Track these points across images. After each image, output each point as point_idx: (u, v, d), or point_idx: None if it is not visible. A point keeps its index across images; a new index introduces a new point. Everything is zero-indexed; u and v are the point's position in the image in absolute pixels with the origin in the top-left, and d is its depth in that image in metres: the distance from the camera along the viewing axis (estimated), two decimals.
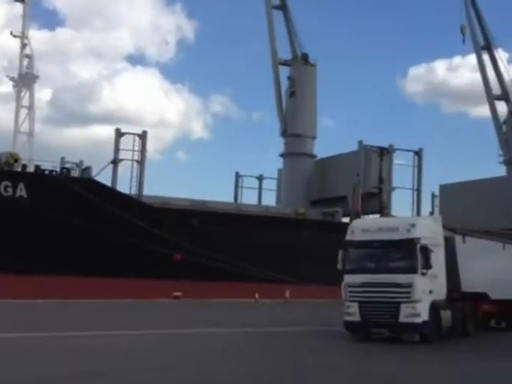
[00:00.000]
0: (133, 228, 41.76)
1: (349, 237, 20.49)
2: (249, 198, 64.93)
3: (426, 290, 19.27)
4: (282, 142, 60.20)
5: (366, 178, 51.38)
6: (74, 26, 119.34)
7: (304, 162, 58.26)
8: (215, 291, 42.00)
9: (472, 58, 70.15)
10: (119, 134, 48.49)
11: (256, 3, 61.57)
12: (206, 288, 41.85)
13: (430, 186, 66.84)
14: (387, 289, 19.16)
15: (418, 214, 52.35)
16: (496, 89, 65.79)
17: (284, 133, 59.36)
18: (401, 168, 53.27)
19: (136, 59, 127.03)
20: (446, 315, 20.09)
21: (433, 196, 66.29)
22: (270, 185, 66.10)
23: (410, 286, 18.88)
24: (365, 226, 20.77)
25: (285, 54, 60.78)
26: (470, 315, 21.86)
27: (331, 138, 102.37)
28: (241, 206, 53.01)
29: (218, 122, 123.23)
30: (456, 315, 20.66)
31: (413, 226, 19.70)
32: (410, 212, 51.92)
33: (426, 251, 19.17)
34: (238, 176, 66.82)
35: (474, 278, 21.29)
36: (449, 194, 64.14)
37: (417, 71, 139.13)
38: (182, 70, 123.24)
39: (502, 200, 57.69)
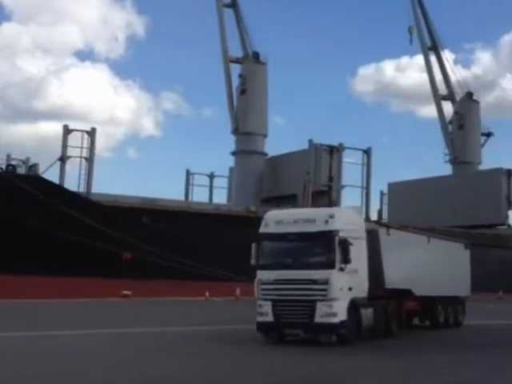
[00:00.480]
0: (81, 226, 41.14)
1: (262, 229, 18.62)
2: (200, 196, 64.88)
3: (345, 286, 17.72)
4: (233, 139, 60.33)
5: (316, 176, 51.85)
6: (20, 20, 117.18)
7: (255, 160, 58.43)
8: (165, 290, 41.73)
9: (419, 59, 71.55)
10: (67, 130, 47.71)
11: (207, 1, 61.48)
12: (156, 286, 41.54)
13: (379, 184, 68.08)
14: (302, 286, 17.66)
15: (367, 211, 53.12)
16: (442, 89, 67.36)
17: (235, 130, 59.41)
18: (350, 166, 54.02)
19: (85, 55, 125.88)
20: (367, 314, 18.63)
21: (381, 194, 67.42)
22: (221, 183, 66.15)
23: (326, 282, 17.34)
24: (279, 218, 18.70)
25: (236, 51, 60.94)
26: (393, 314, 20.39)
27: (282, 137, 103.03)
28: (191, 204, 52.81)
29: (168, 119, 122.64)
30: (378, 314, 19.24)
31: (331, 217, 17.99)
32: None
33: (344, 244, 17.57)
34: (188, 174, 66.59)
35: (398, 273, 19.87)
36: (397, 191, 65.38)
37: (366, 71, 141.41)
38: (132, 66, 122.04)
39: (448, 198, 59.11)
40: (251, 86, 58.56)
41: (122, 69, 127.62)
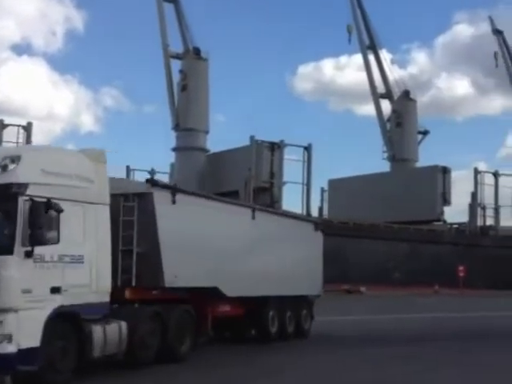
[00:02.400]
0: None
1: None
2: None
3: (39, 286, 10.14)
4: (174, 136, 59.88)
5: (257, 172, 51.96)
6: None
7: (196, 157, 58.16)
8: None
9: (358, 58, 72.66)
10: (2, 125, 46.44)
11: None
12: None
13: (320, 181, 68.91)
14: None
15: (308, 208, 53.57)
16: (381, 88, 68.66)
17: (176, 127, 58.98)
18: (291, 163, 54.34)
19: (22, 49, 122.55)
20: (109, 332, 11.43)
21: (322, 190, 68.23)
22: (162, 179, 65.45)
23: None
24: None
25: (177, 47, 60.48)
26: (180, 327, 13.36)
27: (224, 133, 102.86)
28: None
29: (109, 115, 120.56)
30: (143, 330, 12.37)
31: (14, 161, 10.26)
32: (300, 206, 53.06)
33: (37, 210, 9.98)
34: (128, 170, 65.66)
35: (191, 263, 13.34)
36: (337, 188, 66.27)
37: (305, 69, 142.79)
38: (71, 61, 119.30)
39: (386, 194, 60.27)
40: (192, 81, 58.22)
41: (60, 63, 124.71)
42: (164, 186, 13.58)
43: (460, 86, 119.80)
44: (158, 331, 12.79)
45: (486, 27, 76.90)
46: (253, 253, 15.80)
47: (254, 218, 16.30)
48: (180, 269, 13.01)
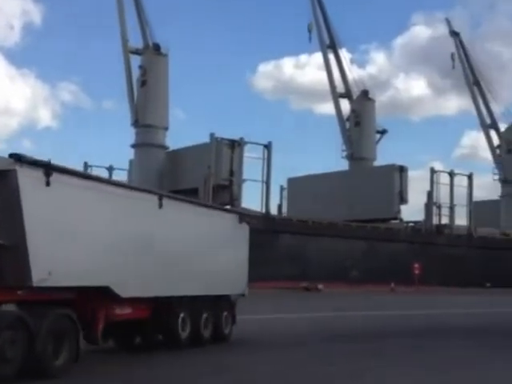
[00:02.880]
0: None
1: None
2: None
3: None
4: (133, 132, 59.35)
5: (217, 170, 51.84)
6: None
7: (156, 154, 57.75)
8: None
9: (318, 57, 73.16)
10: None
11: None
12: None
13: (279, 179, 69.10)
14: None
15: (267, 207, 53.70)
16: (340, 87, 69.23)
17: (135, 123, 58.48)
18: (251, 161, 54.39)
19: None
20: None
21: (281, 188, 68.46)
22: (121, 176, 64.82)
23: None
24: None
25: (136, 42, 59.96)
26: (61, 335, 10.94)
27: (184, 130, 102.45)
28: None
29: (67, 110, 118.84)
30: None
31: None
32: (260, 204, 53.12)
33: None
34: (86, 166, 64.77)
35: (73, 259, 11.18)
36: (296, 186, 66.58)
37: (266, 68, 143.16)
38: (28, 55, 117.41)
39: (344, 193, 60.81)
40: (152, 77, 57.78)
41: (17, 57, 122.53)
42: (33, 163, 10.61)
43: (417, 86, 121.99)
44: (21, 341, 10.24)
45: (443, 29, 78.38)
46: (158, 247, 13.63)
47: (161, 206, 13.97)
48: (55, 265, 10.68)
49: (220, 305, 16.12)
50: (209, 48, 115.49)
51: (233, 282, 16.43)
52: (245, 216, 18.32)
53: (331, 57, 68.86)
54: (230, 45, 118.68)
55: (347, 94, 69.20)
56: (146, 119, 57.47)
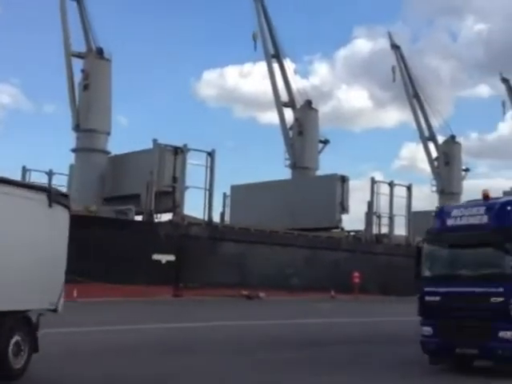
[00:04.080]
0: None
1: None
2: None
3: None
4: (74, 136, 58.36)
5: (159, 176, 51.41)
6: None
7: (97, 158, 56.86)
8: None
9: (262, 66, 73.45)
10: None
11: None
12: None
13: (222, 187, 68.95)
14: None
15: (210, 214, 53.49)
16: (284, 96, 69.76)
17: (77, 127, 57.52)
18: (194, 168, 54.17)
19: None
20: None
21: (224, 196, 68.38)
22: (61, 181, 63.60)
23: None
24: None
25: (79, 46, 59.10)
26: None
27: (126, 136, 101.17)
28: None
29: (5, 113, 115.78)
30: None
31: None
32: (202, 211, 52.89)
33: None
34: (24, 170, 63.32)
35: None
36: (239, 194, 66.64)
37: (210, 75, 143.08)
38: None
39: (287, 201, 61.22)
40: (94, 82, 56.98)
41: None
42: None
43: (359, 98, 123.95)
44: None
45: (384, 42, 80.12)
46: None
47: None
48: None
49: (5, 325, 11.16)
50: (154, 53, 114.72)
51: (31, 291, 11.64)
52: (61, 197, 13.27)
53: (275, 66, 69.39)
54: (174, 51, 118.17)
55: (291, 104, 69.78)
56: (88, 124, 56.59)
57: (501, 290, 13.15)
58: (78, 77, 58.32)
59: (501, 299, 13.12)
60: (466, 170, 78.49)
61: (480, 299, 13.36)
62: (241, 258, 50.82)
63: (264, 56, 69.19)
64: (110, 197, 54.91)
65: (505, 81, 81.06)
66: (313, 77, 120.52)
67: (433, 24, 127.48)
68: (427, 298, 14.35)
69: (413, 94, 75.72)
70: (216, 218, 57.72)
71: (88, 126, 56.57)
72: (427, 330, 14.25)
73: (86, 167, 56.35)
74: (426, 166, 79.63)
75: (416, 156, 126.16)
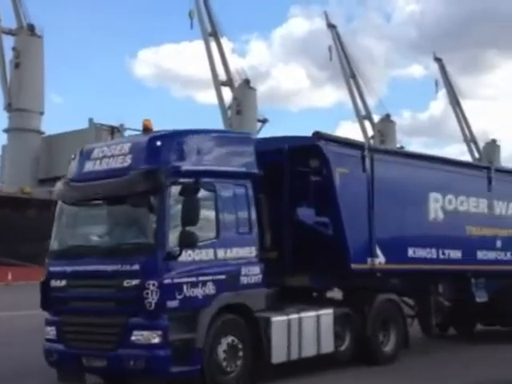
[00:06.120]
0: None
1: None
2: None
3: None
4: (6, 116, 56.96)
5: None
6: None
7: (30, 139, 55.50)
8: None
9: (200, 44, 72.84)
10: None
11: None
12: None
13: None
14: None
15: None
16: (222, 75, 69.53)
17: (8, 107, 56.06)
18: None
19: None
20: None
21: None
22: None
23: None
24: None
25: (10, 22, 57.42)
26: None
27: (61, 115, 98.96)
28: None
29: None
30: None
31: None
32: None
33: None
34: None
35: None
36: None
37: (146, 54, 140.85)
38: None
39: None
40: (26, 60, 55.41)
41: None
42: None
43: (296, 77, 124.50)
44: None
45: (320, 22, 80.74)
46: None
47: None
48: None
49: None
50: (88, 31, 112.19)
51: None
52: None
53: (213, 45, 68.99)
54: (109, 29, 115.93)
55: (229, 83, 69.61)
56: (20, 103, 55.09)
57: (136, 267, 8.78)
58: (9, 55, 56.82)
59: (136, 282, 8.70)
60: (401, 147, 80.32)
61: (111, 283, 8.92)
62: None
63: (201, 34, 68.69)
64: (46, 178, 53.75)
65: (438, 60, 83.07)
66: (250, 56, 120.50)
67: (366, 4, 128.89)
68: (53, 283, 9.65)
69: (349, 74, 76.71)
70: None
71: (20, 106, 55.10)
72: (50, 330, 9.61)
73: (19, 148, 54.93)
74: None
75: (352, 134, 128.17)
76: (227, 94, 69.76)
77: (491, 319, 14.92)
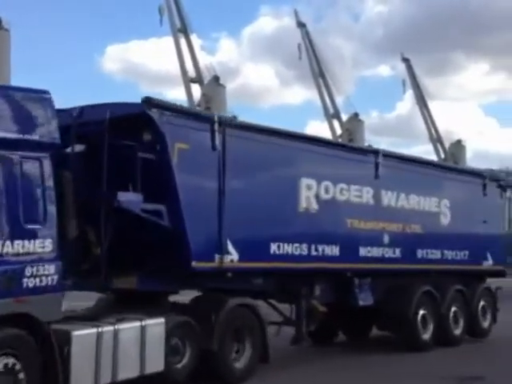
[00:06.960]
0: None
1: None
2: None
3: None
4: None
5: None
6: None
7: None
8: None
9: (169, 41, 72.22)
10: None
11: None
12: None
13: None
14: None
15: None
16: (191, 72, 69.05)
17: None
18: None
19: None
20: None
21: None
22: None
23: None
24: None
25: None
26: None
27: None
28: None
29: None
30: None
31: None
32: None
33: None
34: None
35: None
36: None
37: (114, 50, 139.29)
38: None
39: None
40: None
41: None
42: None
43: (265, 75, 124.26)
44: None
45: (289, 21, 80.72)
46: None
47: None
48: None
49: None
50: (55, 26, 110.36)
51: None
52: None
53: (182, 41, 68.48)
54: (76, 25, 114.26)
55: (198, 79, 69.13)
56: None
57: None
58: None
59: None
60: (368, 146, 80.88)
61: None
62: None
63: (170, 31, 68.11)
64: None
65: (405, 60, 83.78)
66: (220, 54, 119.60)
67: (335, 4, 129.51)
68: None
69: (318, 73, 76.90)
70: None
71: None
72: None
73: None
74: None
75: (321, 133, 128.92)
76: (196, 90, 69.39)
77: (381, 324, 13.08)
